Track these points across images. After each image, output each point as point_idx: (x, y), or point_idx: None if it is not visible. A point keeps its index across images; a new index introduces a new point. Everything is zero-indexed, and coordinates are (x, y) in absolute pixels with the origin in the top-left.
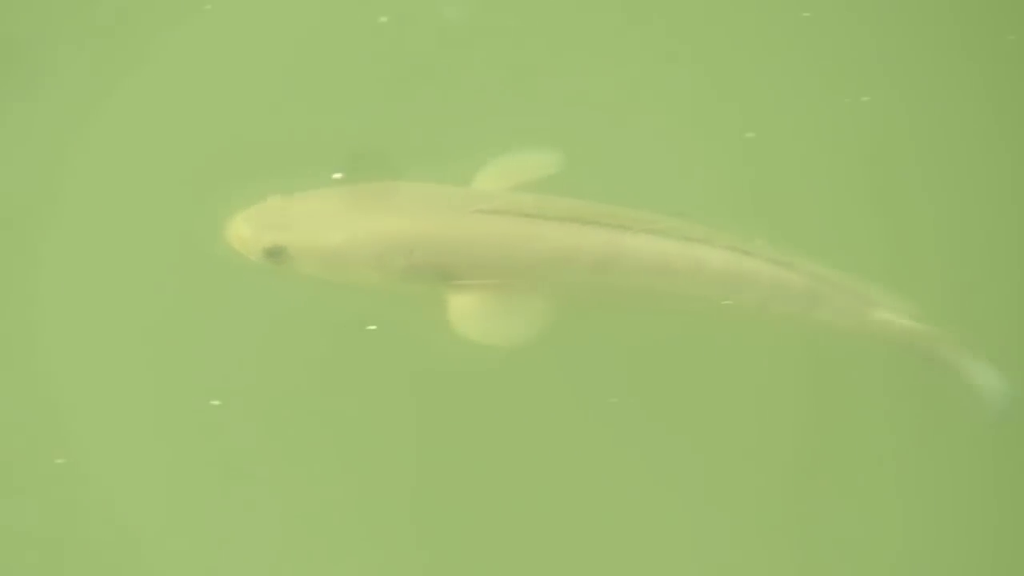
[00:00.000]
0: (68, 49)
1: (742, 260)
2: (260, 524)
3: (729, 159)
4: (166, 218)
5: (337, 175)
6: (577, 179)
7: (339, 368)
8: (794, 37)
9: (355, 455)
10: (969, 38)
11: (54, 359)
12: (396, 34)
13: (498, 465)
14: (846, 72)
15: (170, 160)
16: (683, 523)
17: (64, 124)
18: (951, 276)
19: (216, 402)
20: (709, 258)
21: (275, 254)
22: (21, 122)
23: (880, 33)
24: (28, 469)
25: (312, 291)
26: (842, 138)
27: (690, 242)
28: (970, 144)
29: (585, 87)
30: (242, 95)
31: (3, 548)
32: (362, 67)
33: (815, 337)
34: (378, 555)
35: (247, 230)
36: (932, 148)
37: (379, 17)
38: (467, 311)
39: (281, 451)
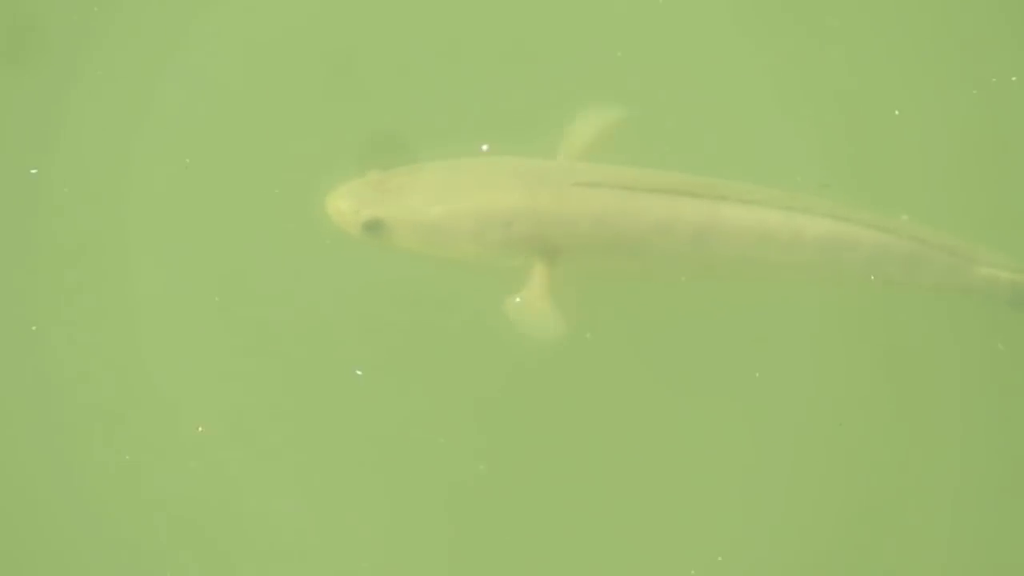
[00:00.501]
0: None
1: (842, 227)
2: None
3: (875, 136)
4: (268, 196)
5: (484, 147)
6: (722, 153)
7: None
8: (944, 16)
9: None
10: None
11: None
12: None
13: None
14: (996, 51)
15: (268, 141)
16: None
17: (139, 108)
18: None
19: (359, 372)
20: (809, 225)
21: (373, 227)
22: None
23: None
24: (170, 438)
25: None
26: (989, 117)
27: (789, 211)
28: None
29: (734, 71)
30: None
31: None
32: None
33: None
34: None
35: (346, 204)
36: None
37: None
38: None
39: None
